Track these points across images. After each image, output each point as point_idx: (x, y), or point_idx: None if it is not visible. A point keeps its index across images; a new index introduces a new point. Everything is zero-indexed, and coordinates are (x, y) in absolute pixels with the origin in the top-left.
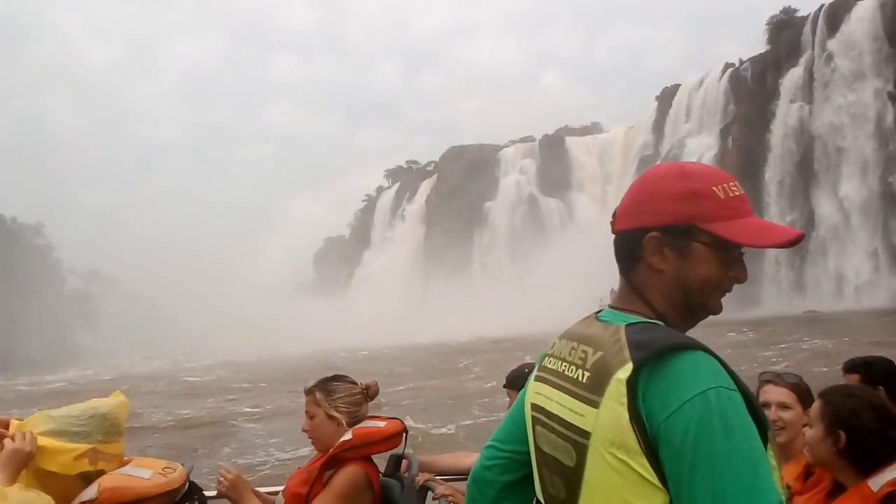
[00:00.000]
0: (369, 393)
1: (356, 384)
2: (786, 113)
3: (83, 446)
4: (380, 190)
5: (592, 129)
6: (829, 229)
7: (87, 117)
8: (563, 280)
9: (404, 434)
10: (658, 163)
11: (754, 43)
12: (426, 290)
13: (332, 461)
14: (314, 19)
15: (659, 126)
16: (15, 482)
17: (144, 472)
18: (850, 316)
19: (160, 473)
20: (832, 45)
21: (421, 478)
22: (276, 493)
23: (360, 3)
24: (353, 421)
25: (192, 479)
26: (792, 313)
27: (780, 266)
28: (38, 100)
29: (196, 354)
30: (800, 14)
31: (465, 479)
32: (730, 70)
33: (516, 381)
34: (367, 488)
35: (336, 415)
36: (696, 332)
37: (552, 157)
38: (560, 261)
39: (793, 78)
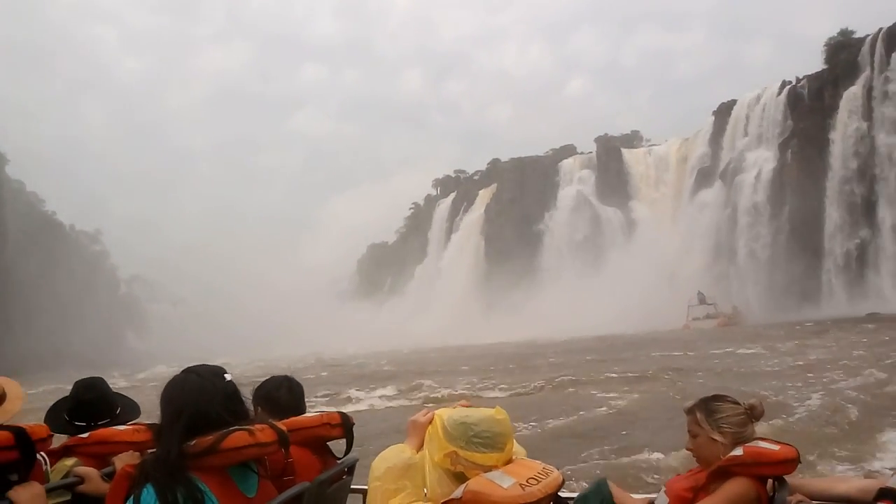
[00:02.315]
0: (754, 413)
1: (739, 404)
2: (845, 129)
3: (449, 447)
4: (429, 199)
5: (633, 137)
6: (890, 238)
7: (119, 127)
8: (624, 284)
9: (797, 462)
10: (718, 174)
11: (785, 52)
12: (489, 293)
13: (721, 473)
14: (342, 28)
15: (716, 140)
16: (418, 448)
17: (506, 481)
18: None
19: (521, 483)
20: (889, 66)
21: (793, 499)
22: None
23: (387, 11)
24: (737, 442)
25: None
26: (853, 314)
27: (843, 273)
28: (74, 111)
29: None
30: (856, 35)
31: None
32: (787, 87)
33: None
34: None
35: (717, 437)
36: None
37: (609, 168)
38: (620, 266)
39: (851, 96)
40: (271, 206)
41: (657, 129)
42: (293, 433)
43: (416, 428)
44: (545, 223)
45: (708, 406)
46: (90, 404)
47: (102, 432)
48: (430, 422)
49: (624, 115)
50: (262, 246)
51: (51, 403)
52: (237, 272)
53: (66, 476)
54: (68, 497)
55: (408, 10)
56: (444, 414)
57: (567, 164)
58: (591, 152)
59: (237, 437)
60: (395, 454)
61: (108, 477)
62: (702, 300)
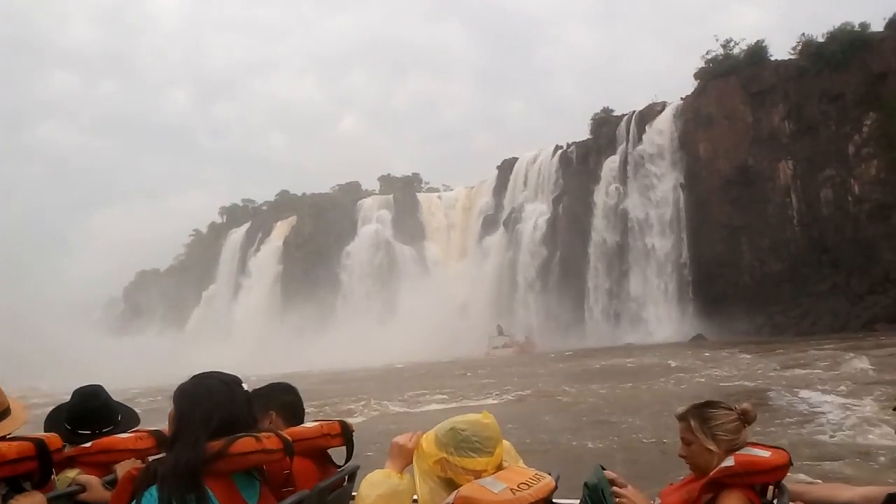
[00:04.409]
0: (747, 418)
1: (732, 409)
2: (605, 191)
3: (439, 454)
4: (214, 226)
5: (413, 179)
6: (638, 281)
7: None
8: (419, 318)
9: (789, 466)
10: (501, 221)
11: (540, 103)
12: (286, 325)
13: (713, 485)
14: (100, 36)
15: (499, 191)
16: (402, 471)
17: (498, 486)
18: (649, 347)
19: (512, 488)
20: (640, 143)
21: None
22: None
23: (152, 26)
24: (732, 448)
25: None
26: (612, 344)
27: (603, 310)
28: None
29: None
30: (616, 114)
31: None
32: (560, 151)
33: None
34: None
35: (712, 446)
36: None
37: (405, 209)
38: (415, 301)
39: (610, 164)
40: (7, 220)
41: (432, 173)
42: (294, 444)
43: (401, 451)
44: (344, 258)
45: (702, 413)
46: (95, 412)
47: (105, 441)
48: (416, 446)
49: (399, 155)
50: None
51: None
52: None
53: (68, 486)
54: None
55: (177, 28)
56: (440, 425)
57: (366, 203)
58: (375, 191)
59: (244, 443)
60: (382, 479)
61: (110, 485)
62: (500, 332)
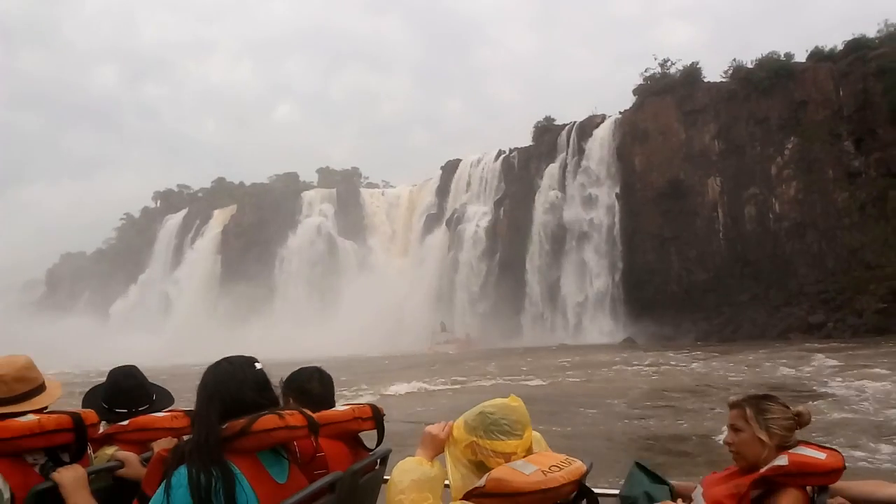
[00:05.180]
0: (801, 420)
1: (788, 408)
2: (545, 197)
3: (470, 439)
4: (147, 211)
5: (353, 174)
6: (573, 286)
7: None
8: (358, 312)
9: (843, 470)
10: (444, 221)
11: (477, 104)
12: (225, 313)
13: (764, 482)
14: (21, 5)
15: (442, 191)
16: (432, 459)
17: (529, 468)
18: (585, 347)
19: (544, 471)
20: (580, 153)
21: (833, 502)
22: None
23: None
24: (782, 446)
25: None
26: (547, 344)
27: (539, 311)
28: None
29: None
30: (557, 123)
31: None
32: (502, 156)
33: None
34: None
35: (764, 437)
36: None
37: (349, 204)
38: (355, 295)
39: (551, 171)
40: None
41: (369, 167)
42: (325, 427)
43: (433, 440)
44: (285, 249)
45: (759, 404)
46: (130, 392)
47: (141, 419)
48: (449, 435)
49: (335, 147)
50: None
51: None
52: None
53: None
54: (109, 482)
55: (106, 1)
56: (472, 410)
57: (309, 195)
58: (313, 183)
59: (268, 420)
60: (414, 466)
61: (147, 462)
62: (443, 328)
